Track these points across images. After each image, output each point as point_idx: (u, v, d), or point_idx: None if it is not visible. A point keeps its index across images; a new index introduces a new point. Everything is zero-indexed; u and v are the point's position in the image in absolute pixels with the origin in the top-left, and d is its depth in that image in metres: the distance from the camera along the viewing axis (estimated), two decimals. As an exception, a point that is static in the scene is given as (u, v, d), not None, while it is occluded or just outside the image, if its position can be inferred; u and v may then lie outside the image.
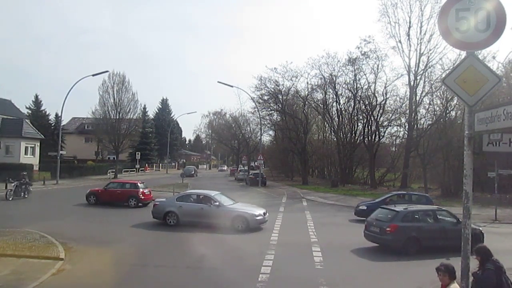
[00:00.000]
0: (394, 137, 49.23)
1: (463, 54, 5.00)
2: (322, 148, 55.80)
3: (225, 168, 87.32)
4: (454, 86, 4.79)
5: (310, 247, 13.32)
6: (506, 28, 4.71)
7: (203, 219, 16.33)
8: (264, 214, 16.73)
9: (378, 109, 43.24)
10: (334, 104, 49.19)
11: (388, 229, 12.93)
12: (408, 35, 39.45)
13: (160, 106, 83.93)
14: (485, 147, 5.04)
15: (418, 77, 40.03)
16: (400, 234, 12.83)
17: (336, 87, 46.71)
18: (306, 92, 48.88)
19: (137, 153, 57.30)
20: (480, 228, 14.08)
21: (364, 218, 20.26)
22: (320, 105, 50.56)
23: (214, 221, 15.96)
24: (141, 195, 23.03)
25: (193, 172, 57.10)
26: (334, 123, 49.97)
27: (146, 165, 65.34)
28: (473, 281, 5.25)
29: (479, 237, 12.86)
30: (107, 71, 39.49)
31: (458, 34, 4.72)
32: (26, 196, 24.66)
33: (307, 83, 49.58)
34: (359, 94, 44.67)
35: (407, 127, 41.55)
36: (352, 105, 46.75)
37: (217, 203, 16.77)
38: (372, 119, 43.77)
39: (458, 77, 4.76)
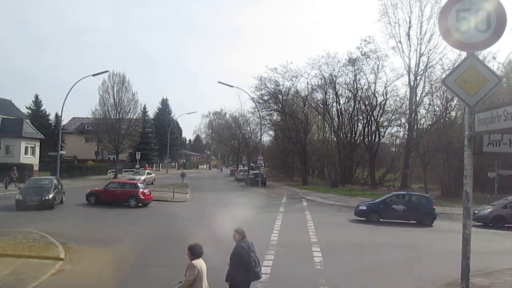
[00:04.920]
0: (394, 137, 49.30)
1: (463, 54, 5.00)
2: (322, 148, 55.79)
3: (141, 178, 37.35)
4: (454, 87, 4.79)
5: (310, 247, 13.32)
6: (507, 28, 4.71)
7: None
8: None
9: (378, 109, 43.25)
10: (334, 104, 49.29)
11: None
12: (408, 35, 39.51)
13: (160, 106, 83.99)
14: (485, 147, 5.04)
15: (418, 77, 40.06)
16: None
17: (336, 87, 46.77)
18: (306, 92, 48.96)
19: (137, 153, 57.23)
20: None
21: (364, 218, 20.45)
22: (320, 105, 50.56)
23: None
24: (141, 195, 23.02)
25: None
26: (334, 123, 49.99)
27: (146, 165, 65.20)
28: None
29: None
30: (107, 71, 39.32)
31: (459, 34, 4.72)
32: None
33: (307, 83, 49.65)
34: (359, 94, 44.70)
35: (407, 127, 41.56)
36: (352, 105, 46.79)
37: None
38: (372, 119, 43.77)
39: (459, 77, 4.75)
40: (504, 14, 4.59)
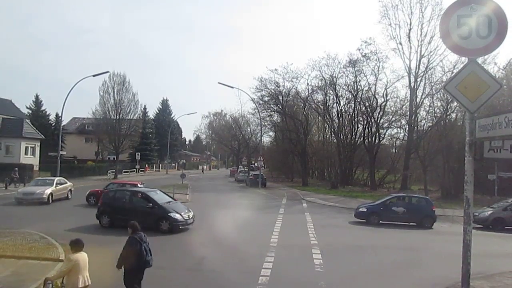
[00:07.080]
0: (394, 139, 49.14)
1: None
2: (322, 150, 55.78)
3: (45, 192, 22.83)
4: (455, 92, 4.79)
5: (310, 249, 13.32)
6: (508, 33, 4.71)
7: None
8: None
9: (379, 110, 43.22)
10: (335, 105, 49.25)
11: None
12: (409, 37, 39.43)
13: (161, 107, 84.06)
14: (486, 153, 5.03)
15: (419, 79, 40.01)
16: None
17: (337, 88, 46.73)
18: (307, 93, 48.93)
19: (137, 153, 57.31)
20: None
21: (364, 220, 20.44)
22: (321, 106, 50.56)
23: None
24: (141, 196, 22.92)
25: None
26: (335, 124, 49.98)
27: (146, 165, 65.33)
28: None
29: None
30: (107, 72, 39.40)
31: (460, 40, 4.71)
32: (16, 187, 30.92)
33: (308, 84, 49.60)
34: (360, 95, 44.67)
35: (407, 128, 41.52)
36: (353, 106, 46.77)
37: None
38: (373, 120, 43.76)
39: (460, 83, 4.75)
40: (506, 20, 4.59)
